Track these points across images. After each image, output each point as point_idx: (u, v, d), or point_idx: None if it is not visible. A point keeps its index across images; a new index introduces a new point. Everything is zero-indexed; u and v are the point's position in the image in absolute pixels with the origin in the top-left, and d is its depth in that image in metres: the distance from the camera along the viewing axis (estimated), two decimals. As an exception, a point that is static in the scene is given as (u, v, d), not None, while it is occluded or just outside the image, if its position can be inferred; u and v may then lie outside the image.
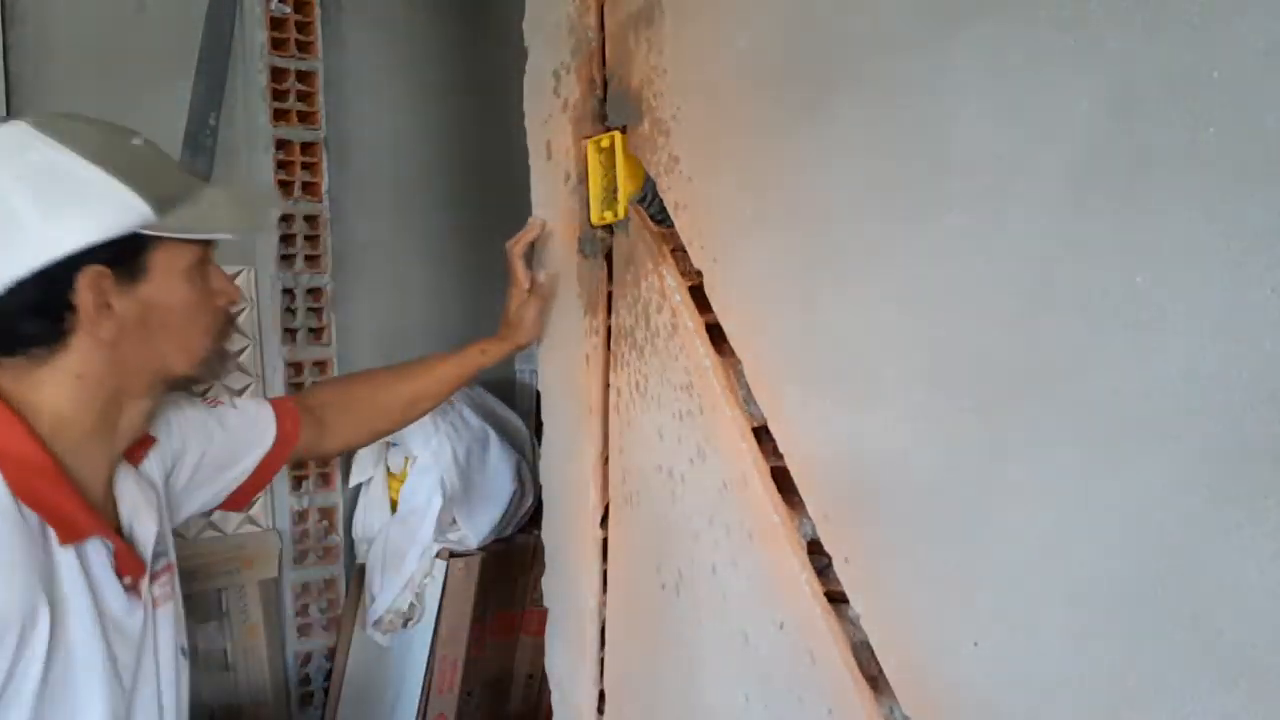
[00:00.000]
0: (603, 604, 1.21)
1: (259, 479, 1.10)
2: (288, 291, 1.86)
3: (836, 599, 0.85)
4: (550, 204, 1.28)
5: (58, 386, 0.79)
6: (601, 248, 1.17)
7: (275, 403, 1.14)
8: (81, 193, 0.74)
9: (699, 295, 1.01)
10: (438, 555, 1.84)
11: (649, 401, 1.09)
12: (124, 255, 0.78)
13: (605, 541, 1.20)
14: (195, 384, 0.93)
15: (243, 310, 1.82)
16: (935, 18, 0.71)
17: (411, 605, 1.82)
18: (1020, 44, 0.65)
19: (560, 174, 1.25)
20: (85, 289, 0.76)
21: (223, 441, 1.04)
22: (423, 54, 2.09)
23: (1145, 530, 0.59)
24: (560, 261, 1.26)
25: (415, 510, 1.85)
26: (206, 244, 0.85)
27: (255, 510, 1.86)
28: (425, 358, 1.28)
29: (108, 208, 0.75)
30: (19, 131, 0.76)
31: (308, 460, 1.77)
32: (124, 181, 0.76)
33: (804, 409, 0.87)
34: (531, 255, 1.24)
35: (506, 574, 1.94)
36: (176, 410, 1.00)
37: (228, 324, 0.91)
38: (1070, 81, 0.62)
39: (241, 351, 1.81)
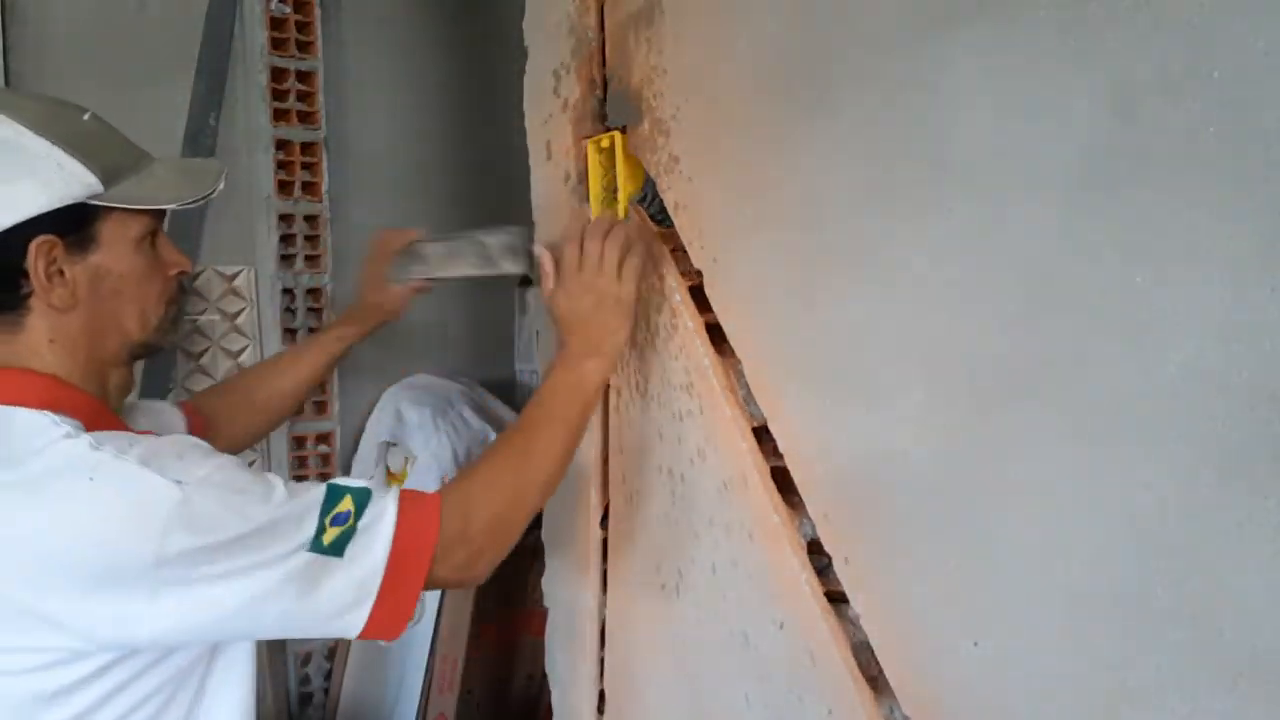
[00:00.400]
0: (603, 604, 1.21)
1: None
2: (287, 291, 1.86)
3: (836, 599, 0.85)
4: (550, 204, 1.28)
5: (43, 355, 0.82)
6: (601, 248, 1.17)
7: (183, 407, 1.18)
8: (30, 164, 0.77)
9: (699, 295, 1.01)
10: (438, 555, 1.83)
11: (649, 401, 1.09)
12: (73, 224, 0.80)
13: (605, 541, 1.20)
14: (156, 351, 0.96)
15: (243, 310, 1.82)
16: (935, 18, 0.71)
17: (412, 605, 1.81)
18: (1020, 44, 0.65)
19: (560, 174, 1.25)
20: (36, 257, 0.78)
21: (145, 427, 1.07)
22: (423, 54, 2.09)
23: (1145, 530, 0.59)
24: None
25: (415, 510, 1.84)
26: (156, 215, 0.88)
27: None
28: (286, 353, 1.33)
29: (56, 178, 0.78)
30: None
31: None
32: (72, 153, 0.78)
33: (804, 409, 0.87)
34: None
35: (506, 574, 1.94)
36: None
37: (180, 292, 0.94)
38: (1070, 81, 0.62)
39: (242, 352, 1.82)
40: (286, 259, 1.86)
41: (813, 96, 0.83)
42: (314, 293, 1.91)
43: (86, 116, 0.84)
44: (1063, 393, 0.63)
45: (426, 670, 1.83)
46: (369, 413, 1.97)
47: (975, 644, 0.71)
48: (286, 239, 1.86)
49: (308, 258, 1.88)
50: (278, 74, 1.81)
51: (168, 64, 1.71)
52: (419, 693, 1.82)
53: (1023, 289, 0.66)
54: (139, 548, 0.71)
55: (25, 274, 0.79)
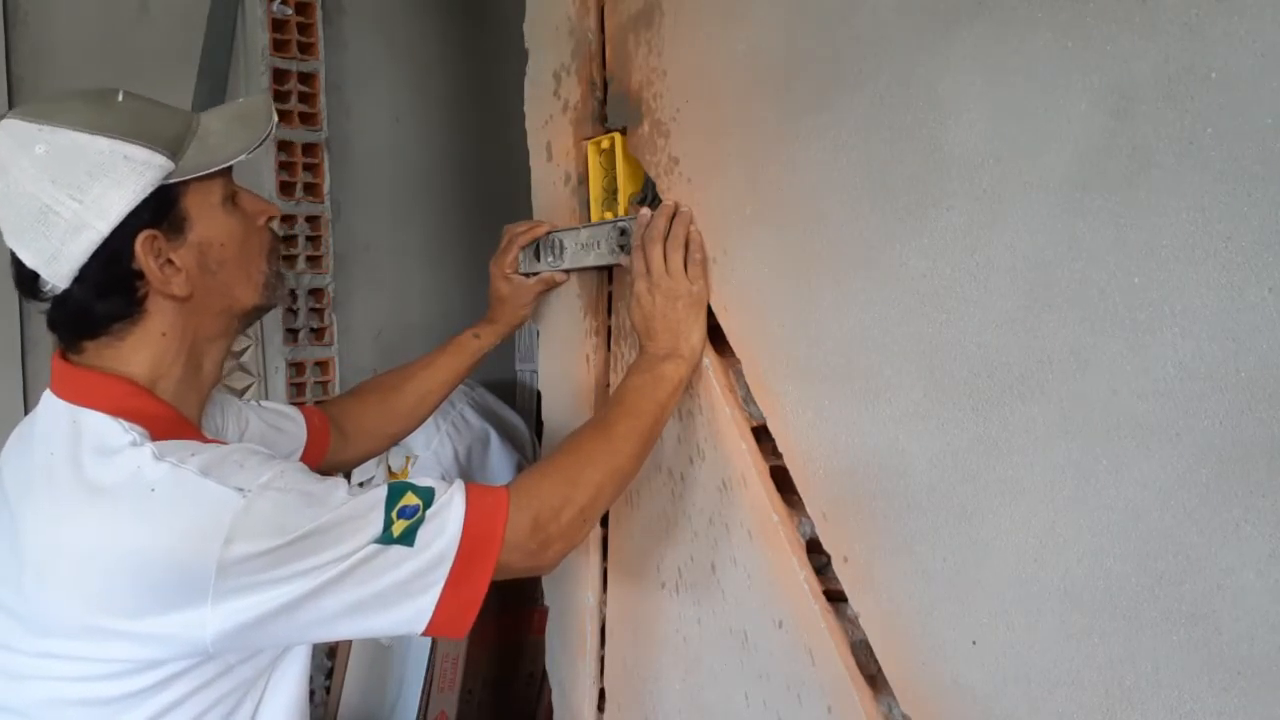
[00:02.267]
0: (603, 602, 1.21)
1: None
2: (290, 292, 1.87)
3: (835, 598, 0.86)
4: (550, 204, 1.28)
5: (145, 351, 0.81)
6: (602, 248, 1.17)
7: (302, 409, 1.15)
8: (99, 165, 0.75)
9: (699, 295, 1.01)
10: (439, 555, 1.83)
11: (649, 401, 1.09)
12: (162, 211, 0.79)
13: (605, 540, 1.20)
14: (262, 313, 0.94)
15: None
16: (935, 18, 0.71)
17: (412, 605, 1.81)
18: (1019, 45, 0.65)
19: (560, 175, 1.25)
20: (144, 255, 0.77)
21: (258, 429, 1.06)
22: (424, 55, 2.09)
23: (1143, 529, 0.59)
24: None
25: (416, 510, 1.85)
26: (227, 172, 0.85)
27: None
28: (423, 357, 1.29)
29: (129, 171, 0.76)
30: (16, 128, 0.76)
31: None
32: (132, 141, 0.76)
33: (803, 408, 0.87)
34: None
35: (507, 573, 1.94)
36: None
37: (276, 242, 0.92)
38: (1069, 81, 0.62)
39: (244, 352, 1.82)
40: (288, 259, 1.86)
41: (811, 97, 0.83)
42: (316, 293, 1.91)
43: (121, 97, 0.81)
44: (1061, 392, 0.64)
45: (427, 669, 1.83)
46: (370, 413, 1.97)
47: (974, 642, 0.71)
48: (289, 240, 1.86)
49: (310, 258, 1.89)
50: (279, 75, 1.81)
51: (170, 66, 1.72)
52: (420, 691, 1.83)
53: (1021, 288, 0.66)
54: (202, 558, 0.71)
55: (138, 275, 0.78)
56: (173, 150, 0.79)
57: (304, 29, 1.84)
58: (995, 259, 0.68)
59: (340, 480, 0.80)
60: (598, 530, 1.20)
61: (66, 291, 0.78)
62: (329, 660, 1.98)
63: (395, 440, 1.30)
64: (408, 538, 0.77)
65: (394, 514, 0.77)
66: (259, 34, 1.78)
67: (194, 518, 0.72)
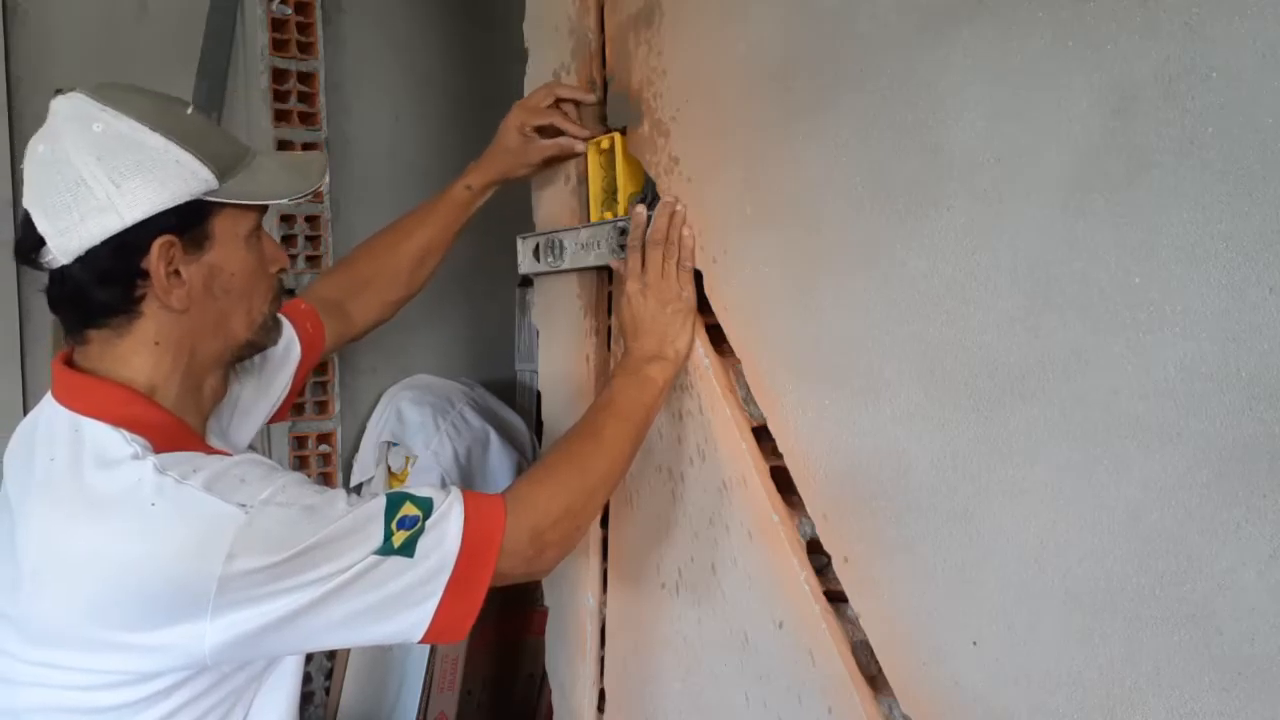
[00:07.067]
0: (603, 603, 1.21)
1: (296, 386, 1.12)
2: (289, 292, 1.86)
3: (836, 598, 0.86)
4: (550, 204, 1.28)
5: (141, 358, 0.80)
6: (602, 248, 1.17)
7: (288, 310, 1.12)
8: (149, 160, 0.75)
9: (699, 296, 1.01)
10: (438, 555, 1.83)
11: (649, 401, 1.09)
12: (190, 222, 0.78)
13: (605, 541, 1.20)
14: (255, 351, 0.93)
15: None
16: (935, 18, 0.71)
17: (412, 605, 1.81)
18: (1020, 44, 0.65)
19: (560, 174, 1.25)
20: (157, 258, 0.77)
21: (253, 375, 1.05)
22: (424, 55, 2.09)
23: (1144, 529, 0.59)
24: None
25: (416, 510, 1.85)
26: (260, 211, 0.86)
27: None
28: (411, 213, 1.25)
29: (174, 174, 0.76)
30: (80, 102, 0.76)
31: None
32: (187, 148, 0.76)
33: (803, 408, 0.87)
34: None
35: (507, 574, 1.94)
36: None
37: (281, 291, 0.92)
38: (1070, 81, 0.62)
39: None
40: (288, 259, 1.86)
41: (812, 97, 0.83)
42: (315, 293, 1.91)
43: (189, 110, 0.81)
44: (1062, 392, 0.63)
45: (427, 670, 1.83)
46: (370, 412, 1.97)
47: (974, 643, 0.71)
48: (288, 239, 1.86)
49: (309, 258, 1.89)
50: (279, 75, 1.81)
51: (169, 66, 1.71)
52: (419, 692, 1.83)
53: (1022, 289, 0.66)
54: (203, 574, 0.70)
55: (142, 275, 0.77)
56: (221, 170, 0.79)
57: (303, 28, 1.84)
58: (995, 259, 0.68)
59: (340, 491, 0.80)
60: (597, 531, 1.20)
61: (66, 269, 0.77)
62: (329, 660, 1.98)
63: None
64: (408, 549, 0.78)
65: (394, 525, 0.78)
66: (258, 33, 1.78)
67: (196, 533, 0.72)
